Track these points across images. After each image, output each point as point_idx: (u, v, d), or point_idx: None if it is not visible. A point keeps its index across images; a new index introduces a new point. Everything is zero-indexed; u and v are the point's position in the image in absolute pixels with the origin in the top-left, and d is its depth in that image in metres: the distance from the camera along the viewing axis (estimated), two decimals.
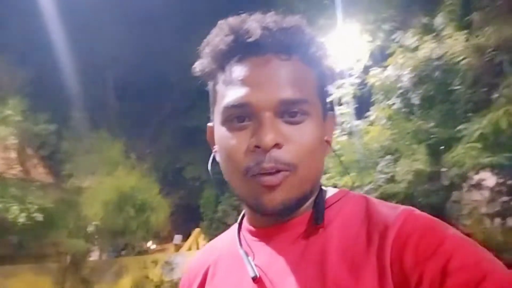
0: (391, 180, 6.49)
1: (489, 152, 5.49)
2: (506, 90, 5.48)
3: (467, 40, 5.85)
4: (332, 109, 0.69)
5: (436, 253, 0.50)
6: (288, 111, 0.59)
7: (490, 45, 5.63)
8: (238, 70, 0.60)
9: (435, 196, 6.32)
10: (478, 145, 5.55)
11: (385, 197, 7.04)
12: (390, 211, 0.59)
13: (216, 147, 0.67)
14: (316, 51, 0.62)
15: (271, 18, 0.60)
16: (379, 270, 0.53)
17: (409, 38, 6.45)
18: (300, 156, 0.58)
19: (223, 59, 0.61)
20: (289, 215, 0.63)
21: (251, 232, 0.69)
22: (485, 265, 0.49)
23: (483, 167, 5.92)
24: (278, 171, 0.57)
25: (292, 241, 0.63)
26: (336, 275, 0.55)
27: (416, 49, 6.41)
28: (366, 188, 6.41)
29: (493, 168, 6.04)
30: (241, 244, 0.68)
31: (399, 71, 6.51)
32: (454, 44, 5.93)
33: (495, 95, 5.73)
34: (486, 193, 6.93)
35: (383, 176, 6.59)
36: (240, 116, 0.59)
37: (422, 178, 6.26)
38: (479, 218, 7.01)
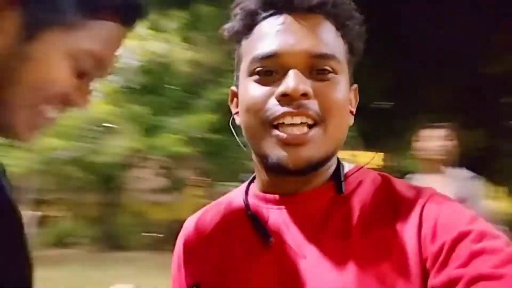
0: (96, 151, 6.90)
1: (183, 144, 7.00)
2: (204, 101, 7.22)
3: (190, 52, 7.24)
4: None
5: (456, 229, 0.51)
6: (318, 68, 0.56)
7: (205, 63, 7.26)
8: (268, 26, 0.59)
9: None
10: (176, 136, 6.98)
11: (88, 165, 7.33)
12: (413, 190, 0.60)
13: (237, 109, 0.64)
14: (349, 18, 0.61)
15: None
16: (404, 248, 0.53)
17: (146, 29, 7.13)
18: (328, 111, 0.56)
19: (253, 18, 0.60)
20: (308, 180, 0.60)
21: (263, 198, 0.64)
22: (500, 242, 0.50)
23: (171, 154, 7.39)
24: (304, 125, 0.55)
25: (310, 212, 0.60)
26: (360, 250, 0.55)
27: (148, 40, 7.20)
28: (74, 155, 6.54)
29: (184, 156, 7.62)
30: (249, 209, 0.64)
31: (129, 53, 7.05)
32: (182, 52, 7.19)
33: (197, 101, 7.38)
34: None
35: (89, 145, 6.89)
36: (268, 70, 0.57)
37: (127, 154, 7.11)
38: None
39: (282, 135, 0.55)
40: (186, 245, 0.71)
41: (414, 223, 0.55)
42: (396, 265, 0.53)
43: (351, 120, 0.64)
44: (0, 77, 0.49)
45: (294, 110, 0.54)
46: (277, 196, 0.62)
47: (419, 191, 0.59)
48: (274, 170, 0.59)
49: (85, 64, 0.53)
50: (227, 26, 0.63)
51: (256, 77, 0.58)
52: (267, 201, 0.63)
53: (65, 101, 0.53)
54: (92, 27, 0.53)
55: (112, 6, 0.55)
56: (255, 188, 0.67)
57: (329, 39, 0.58)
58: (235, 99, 0.66)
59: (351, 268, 0.54)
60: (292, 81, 0.54)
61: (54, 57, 0.51)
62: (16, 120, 0.51)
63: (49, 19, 0.50)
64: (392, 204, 0.58)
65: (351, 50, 0.62)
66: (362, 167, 0.65)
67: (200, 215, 0.73)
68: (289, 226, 0.60)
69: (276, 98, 0.55)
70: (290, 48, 0.56)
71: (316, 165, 0.58)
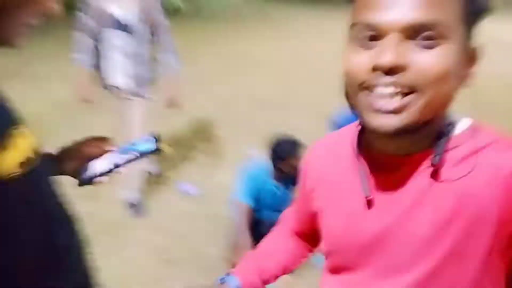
0: None
1: None
2: None
3: None
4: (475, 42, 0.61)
5: None
6: (422, 34, 0.54)
7: None
8: None
9: None
10: None
11: None
12: None
13: None
14: None
15: None
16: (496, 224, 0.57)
17: None
18: (426, 81, 0.54)
19: None
20: (408, 142, 0.61)
21: (367, 155, 0.67)
22: None
23: None
24: (398, 94, 0.55)
25: (409, 178, 0.61)
26: (456, 235, 0.58)
27: None
28: None
29: None
30: (359, 157, 0.68)
31: None
32: None
33: None
34: None
35: None
36: (368, 35, 0.57)
37: None
38: None
39: (375, 103, 0.56)
40: (306, 166, 0.82)
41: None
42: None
43: (465, 82, 0.61)
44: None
45: (383, 86, 0.55)
46: (376, 155, 0.65)
47: None
48: (369, 130, 0.61)
49: None
50: None
51: (356, 41, 0.59)
52: (369, 158, 0.67)
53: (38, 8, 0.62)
54: None
55: None
56: (361, 137, 0.69)
57: (438, 2, 0.54)
58: None
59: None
60: (387, 53, 0.54)
61: None
62: (8, 30, 0.60)
63: None
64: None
65: (472, 7, 0.58)
66: (479, 129, 0.63)
67: (320, 143, 0.81)
68: (387, 187, 0.63)
69: (369, 68, 0.56)
70: (389, 16, 0.55)
71: (411, 131, 0.57)
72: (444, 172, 0.60)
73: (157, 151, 0.92)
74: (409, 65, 0.54)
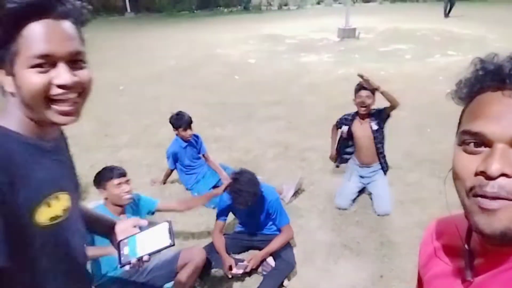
0: None
1: None
2: None
3: None
4: None
5: None
6: None
7: None
8: (481, 104, 0.61)
9: None
10: None
11: None
12: None
13: None
14: None
15: None
16: None
17: None
18: None
19: (473, 89, 0.64)
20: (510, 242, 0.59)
21: (474, 239, 0.69)
22: None
23: None
24: (498, 198, 0.56)
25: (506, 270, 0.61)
26: None
27: None
28: None
29: None
30: (468, 241, 0.70)
31: None
32: None
33: None
34: None
35: None
36: (476, 142, 0.60)
37: None
38: None
39: (477, 202, 0.59)
40: (425, 239, 0.85)
41: None
42: None
43: None
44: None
45: (489, 189, 0.57)
46: (483, 240, 0.65)
47: None
48: (476, 232, 0.63)
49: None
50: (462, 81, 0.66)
51: (464, 146, 0.62)
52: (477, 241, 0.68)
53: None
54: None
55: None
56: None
57: None
58: None
59: None
60: (491, 162, 0.56)
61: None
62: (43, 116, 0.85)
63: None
64: None
65: None
66: None
67: (440, 221, 0.85)
68: (490, 276, 0.63)
69: (476, 171, 0.59)
70: (496, 128, 0.58)
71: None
72: None
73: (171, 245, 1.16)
74: None
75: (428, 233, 0.85)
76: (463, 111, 0.67)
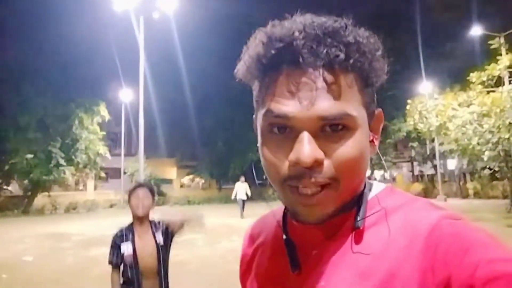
0: None
1: None
2: None
3: None
4: (376, 106, 0.64)
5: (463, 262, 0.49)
6: (330, 125, 0.55)
7: None
8: (277, 82, 0.57)
9: None
10: None
11: None
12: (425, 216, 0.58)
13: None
14: (361, 54, 0.57)
15: (311, 24, 0.56)
16: None
17: None
18: (343, 170, 0.56)
19: (264, 68, 0.58)
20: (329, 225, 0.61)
21: (293, 224, 0.67)
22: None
23: None
24: (317, 184, 0.55)
25: (331, 239, 0.62)
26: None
27: None
28: None
29: None
30: (286, 232, 0.68)
31: None
32: None
33: None
34: None
35: None
36: (280, 126, 0.57)
37: None
38: None
39: (296, 195, 0.57)
40: (244, 246, 0.82)
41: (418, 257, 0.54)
42: None
43: (372, 150, 0.64)
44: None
45: (306, 180, 0.55)
46: (301, 225, 0.64)
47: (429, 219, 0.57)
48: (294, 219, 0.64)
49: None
50: (239, 69, 0.62)
51: (269, 132, 0.59)
52: (294, 227, 0.67)
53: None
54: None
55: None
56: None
57: (342, 94, 0.56)
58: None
59: None
60: (302, 149, 0.54)
61: None
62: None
63: None
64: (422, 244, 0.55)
65: (368, 83, 0.60)
66: (392, 193, 0.65)
67: (256, 223, 0.83)
68: (315, 255, 0.63)
69: (289, 162, 0.56)
70: (299, 110, 0.55)
71: (333, 215, 0.60)
72: (365, 235, 0.60)
73: None
74: (323, 158, 0.55)
75: (245, 239, 0.83)
76: (255, 89, 0.63)
